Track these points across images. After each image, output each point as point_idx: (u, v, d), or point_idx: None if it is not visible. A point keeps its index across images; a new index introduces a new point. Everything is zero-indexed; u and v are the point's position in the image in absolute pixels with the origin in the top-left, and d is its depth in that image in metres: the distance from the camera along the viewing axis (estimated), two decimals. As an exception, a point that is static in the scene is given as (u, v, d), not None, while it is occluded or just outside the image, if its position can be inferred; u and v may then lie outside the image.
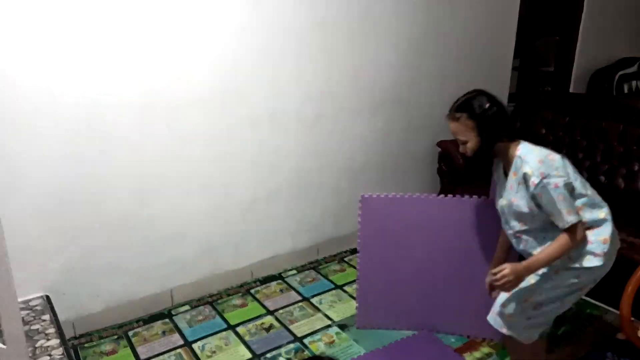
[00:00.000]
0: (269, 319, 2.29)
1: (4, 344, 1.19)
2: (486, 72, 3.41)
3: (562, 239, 1.47)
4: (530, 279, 1.57)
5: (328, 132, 2.71)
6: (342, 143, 2.80)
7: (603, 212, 1.57)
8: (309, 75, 2.53)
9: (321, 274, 2.71)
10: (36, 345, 1.67)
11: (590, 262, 1.53)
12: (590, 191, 1.57)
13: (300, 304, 2.42)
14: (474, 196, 2.01)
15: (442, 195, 2.07)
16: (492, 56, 3.40)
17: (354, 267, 2.76)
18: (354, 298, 2.45)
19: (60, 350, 1.65)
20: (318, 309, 2.37)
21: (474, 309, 2.00)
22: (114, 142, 2.04)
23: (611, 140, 2.92)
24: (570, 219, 1.45)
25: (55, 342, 1.70)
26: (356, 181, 2.90)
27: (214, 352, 2.05)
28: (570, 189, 1.49)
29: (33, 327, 1.77)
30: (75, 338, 2.11)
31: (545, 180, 1.44)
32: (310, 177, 2.72)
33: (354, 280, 2.60)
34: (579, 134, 3.07)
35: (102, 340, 2.12)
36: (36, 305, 1.93)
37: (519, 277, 1.47)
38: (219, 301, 2.43)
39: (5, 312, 1.17)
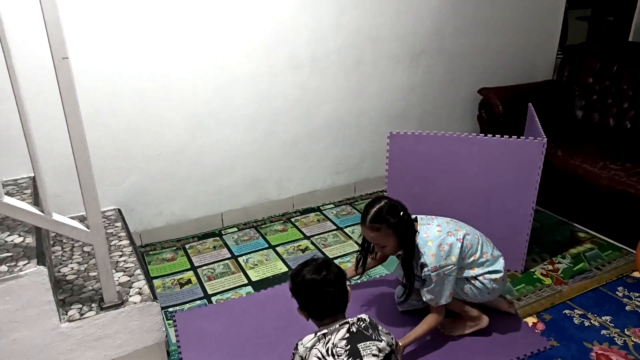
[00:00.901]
0: (305, 242, 2.57)
1: (87, 228, 1.52)
2: (534, 23, 3.38)
3: (432, 319, 1.75)
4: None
5: (367, 77, 2.87)
6: (382, 89, 2.95)
7: (500, 264, 1.82)
8: (349, 21, 2.67)
9: (356, 209, 2.94)
10: (111, 244, 2.04)
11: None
12: (490, 251, 1.82)
13: (334, 232, 2.68)
14: (497, 135, 2.12)
15: (467, 134, 2.18)
16: (541, 6, 3.35)
17: (388, 205, 2.97)
18: (384, 230, 2.67)
19: (130, 249, 2.01)
20: (350, 237, 2.62)
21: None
22: (172, 82, 2.32)
23: (658, 90, 2.87)
24: (443, 301, 1.71)
25: (125, 242, 2.06)
26: (395, 126, 3.05)
27: (256, 264, 2.37)
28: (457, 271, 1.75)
29: (108, 231, 2.15)
30: (141, 247, 2.50)
31: (434, 273, 1.68)
32: (349, 119, 2.91)
33: (386, 215, 2.82)
34: (625, 83, 3.02)
35: (163, 250, 2.50)
36: (110, 215, 2.31)
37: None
38: (263, 226, 2.74)
39: (89, 206, 1.50)
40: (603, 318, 1.98)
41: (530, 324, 1.95)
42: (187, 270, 2.33)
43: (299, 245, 2.54)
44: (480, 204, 2.22)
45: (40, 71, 1.91)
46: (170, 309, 2.05)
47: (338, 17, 2.62)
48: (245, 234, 2.66)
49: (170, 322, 1.98)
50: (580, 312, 2.02)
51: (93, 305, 1.63)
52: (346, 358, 1.25)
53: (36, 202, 1.85)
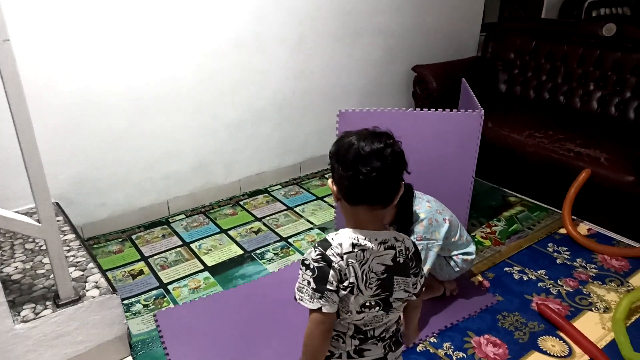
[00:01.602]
0: (257, 224, 2.57)
1: (39, 222, 1.43)
2: (461, 1, 3.56)
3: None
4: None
5: (310, 57, 2.88)
6: (324, 67, 2.98)
7: (472, 247, 1.96)
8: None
9: (303, 188, 2.98)
10: (55, 240, 1.92)
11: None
12: (465, 235, 1.96)
13: (285, 212, 2.70)
14: (447, 110, 2.22)
15: (416, 109, 2.27)
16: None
17: (334, 182, 3.03)
18: (332, 207, 2.74)
19: (77, 242, 1.91)
20: (301, 216, 2.66)
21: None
22: (112, 66, 2.20)
23: (571, 64, 3.15)
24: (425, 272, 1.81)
25: (71, 236, 1.95)
26: (337, 104, 3.09)
27: (210, 250, 2.34)
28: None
29: (50, 226, 2.01)
30: (84, 240, 2.37)
31: (419, 242, 1.77)
32: (293, 99, 2.92)
33: (334, 192, 2.88)
34: (543, 57, 3.28)
35: (108, 242, 2.39)
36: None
37: None
38: (211, 211, 2.70)
39: (39, 198, 1.41)
40: (538, 272, 2.18)
41: (476, 283, 2.11)
42: (138, 261, 2.25)
43: (252, 228, 2.54)
44: (426, 175, 2.31)
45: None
46: (125, 301, 1.98)
47: (279, -6, 2.61)
48: (194, 220, 2.60)
49: (129, 314, 1.91)
50: (518, 269, 2.21)
51: (47, 303, 1.55)
52: (375, 289, 1.01)
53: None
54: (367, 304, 1.01)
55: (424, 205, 1.85)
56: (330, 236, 1.01)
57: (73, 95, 2.14)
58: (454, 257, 1.92)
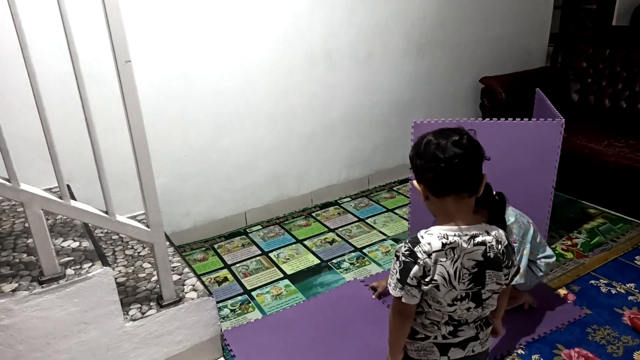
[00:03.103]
0: (330, 235, 2.63)
1: (148, 226, 1.55)
2: (528, 12, 3.52)
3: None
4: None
5: (377, 70, 2.94)
6: (391, 81, 3.03)
7: (549, 250, 1.93)
8: (359, 16, 2.74)
9: (373, 201, 3.02)
10: (151, 246, 2.06)
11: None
12: (542, 238, 1.92)
13: (356, 223, 2.75)
14: (525, 119, 2.20)
15: (488, 119, 2.27)
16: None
17: (403, 195, 3.05)
18: (404, 219, 2.75)
19: (172, 249, 2.03)
20: (373, 227, 2.69)
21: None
22: (195, 83, 2.35)
23: (651, 70, 3.03)
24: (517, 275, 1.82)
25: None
26: (404, 117, 3.14)
27: (288, 259, 2.42)
28: None
29: (145, 234, 2.16)
30: (177, 247, 2.51)
31: (515, 244, 1.76)
32: (362, 112, 2.98)
33: (404, 205, 2.90)
34: (618, 65, 3.18)
35: (193, 251, 2.52)
36: (142, 219, 2.31)
37: None
38: (285, 222, 2.79)
39: (150, 205, 1.52)
40: (627, 285, 2.10)
41: (562, 295, 2.06)
42: (222, 268, 2.36)
43: (326, 238, 2.60)
44: (503, 186, 2.30)
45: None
46: (213, 306, 2.07)
47: (349, 12, 2.69)
48: (270, 231, 2.69)
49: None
50: (605, 282, 2.13)
51: (152, 304, 1.66)
52: (468, 283, 1.03)
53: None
54: (459, 296, 1.04)
55: (508, 209, 1.84)
56: (421, 233, 1.05)
57: (161, 109, 2.30)
58: (537, 262, 1.88)
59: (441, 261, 1.01)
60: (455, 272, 1.02)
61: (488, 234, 1.05)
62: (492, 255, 1.04)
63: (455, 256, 1.01)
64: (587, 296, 2.05)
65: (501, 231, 1.08)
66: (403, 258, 1.03)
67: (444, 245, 1.01)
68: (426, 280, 1.02)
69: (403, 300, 1.04)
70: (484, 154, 1.03)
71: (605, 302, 2.00)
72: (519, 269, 1.14)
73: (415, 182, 1.07)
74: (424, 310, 1.09)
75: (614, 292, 2.06)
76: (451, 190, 1.01)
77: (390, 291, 1.07)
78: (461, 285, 1.03)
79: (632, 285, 2.10)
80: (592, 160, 2.72)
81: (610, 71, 3.23)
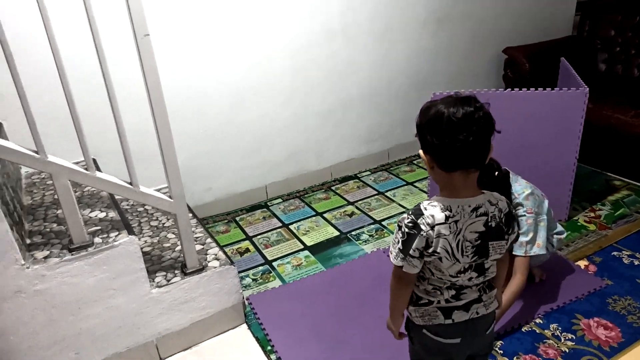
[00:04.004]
0: (350, 208, 2.66)
1: (171, 198, 1.60)
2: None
3: (516, 282, 1.72)
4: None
5: (396, 44, 2.91)
6: (410, 55, 2.99)
7: (560, 227, 1.92)
8: (378, -12, 2.70)
9: (392, 174, 3.02)
10: (174, 218, 2.12)
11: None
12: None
13: (376, 196, 2.76)
14: (548, 89, 2.16)
15: (509, 89, 2.23)
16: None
17: (423, 168, 3.05)
18: (424, 192, 2.75)
19: (194, 221, 2.09)
20: (392, 200, 2.70)
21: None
22: (212, 60, 2.37)
23: (683, 38, 2.91)
24: (536, 249, 1.75)
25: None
26: (423, 91, 3.10)
27: (308, 231, 2.46)
28: None
29: (169, 206, 2.22)
30: (200, 219, 2.58)
31: (530, 214, 1.72)
32: (380, 87, 2.96)
33: (424, 178, 2.90)
34: (649, 33, 3.06)
35: (215, 223, 2.58)
36: (166, 192, 2.38)
37: None
38: (305, 196, 2.82)
39: (172, 177, 1.57)
40: (651, 256, 2.07)
41: (582, 267, 2.04)
42: (243, 240, 2.42)
43: (345, 211, 2.63)
44: (525, 157, 2.28)
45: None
46: (235, 276, 2.14)
47: (367, -16, 2.66)
48: (291, 204, 2.74)
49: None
50: (628, 253, 2.11)
51: (176, 271, 1.72)
52: (472, 256, 1.03)
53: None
54: (462, 269, 1.05)
55: (521, 181, 1.82)
56: (424, 205, 1.03)
57: (190, 89, 2.34)
58: (549, 238, 1.86)
59: (444, 234, 1.00)
60: (457, 245, 1.02)
61: (491, 204, 1.04)
62: (493, 224, 1.03)
63: (458, 229, 1.01)
64: (609, 267, 2.03)
65: (503, 201, 1.07)
66: (406, 229, 1.02)
67: (447, 217, 1.00)
68: (429, 251, 1.02)
69: (404, 269, 1.05)
70: (495, 125, 0.98)
71: (627, 273, 1.98)
72: (518, 235, 1.12)
73: (421, 151, 1.04)
74: (426, 276, 1.10)
75: (636, 263, 2.04)
76: (460, 167, 0.98)
77: (392, 260, 1.07)
78: (465, 259, 1.03)
79: (655, 256, 2.07)
80: (617, 131, 2.65)
81: (639, 40, 3.12)
